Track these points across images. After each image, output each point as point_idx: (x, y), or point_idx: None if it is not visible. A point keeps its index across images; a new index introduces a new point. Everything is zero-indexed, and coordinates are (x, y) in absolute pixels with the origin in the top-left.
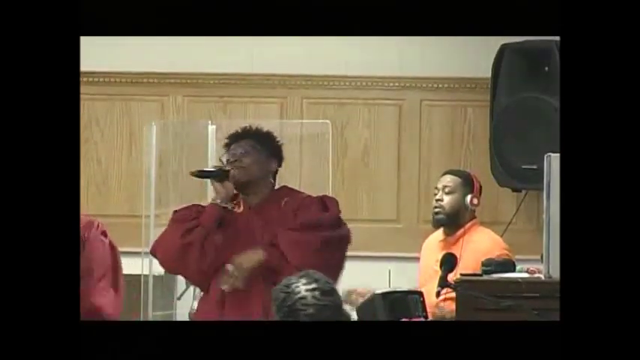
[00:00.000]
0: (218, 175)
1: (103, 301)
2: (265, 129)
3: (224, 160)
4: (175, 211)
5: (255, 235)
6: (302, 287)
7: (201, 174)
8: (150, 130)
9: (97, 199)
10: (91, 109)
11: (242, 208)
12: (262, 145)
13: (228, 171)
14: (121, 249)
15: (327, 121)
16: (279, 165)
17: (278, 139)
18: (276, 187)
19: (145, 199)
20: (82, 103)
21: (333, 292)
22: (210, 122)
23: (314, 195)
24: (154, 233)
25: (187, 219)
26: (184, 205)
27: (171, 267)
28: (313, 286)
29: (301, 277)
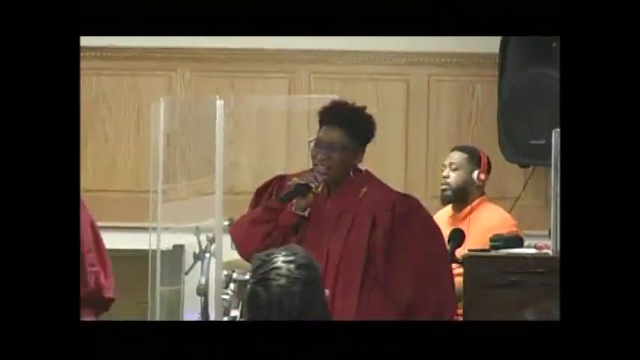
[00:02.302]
0: (302, 193)
1: (100, 283)
2: (358, 106)
3: (312, 143)
4: (256, 193)
5: (332, 223)
6: (279, 258)
7: (287, 198)
8: (158, 106)
9: (104, 175)
10: (99, 85)
11: (319, 189)
12: (353, 135)
13: (312, 187)
14: (128, 224)
15: (335, 96)
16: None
17: (371, 121)
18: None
19: (153, 174)
20: (89, 78)
21: (309, 267)
22: (217, 97)
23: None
24: (162, 209)
25: (266, 220)
26: (266, 182)
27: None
28: (290, 258)
29: (283, 249)
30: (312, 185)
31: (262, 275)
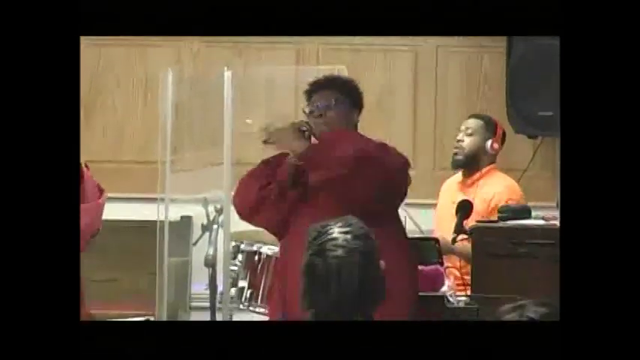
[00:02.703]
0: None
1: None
2: (348, 78)
3: (306, 110)
4: (261, 163)
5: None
6: (335, 229)
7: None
8: (166, 76)
9: (112, 145)
10: (107, 56)
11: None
12: (346, 93)
13: (304, 131)
14: (136, 195)
15: (343, 67)
16: (359, 114)
17: (360, 89)
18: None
19: (161, 145)
20: (97, 49)
21: (365, 237)
22: (226, 68)
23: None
24: (170, 179)
25: (264, 174)
26: (271, 156)
27: (246, 219)
28: (346, 229)
29: (338, 220)
30: (304, 128)
31: (319, 246)
